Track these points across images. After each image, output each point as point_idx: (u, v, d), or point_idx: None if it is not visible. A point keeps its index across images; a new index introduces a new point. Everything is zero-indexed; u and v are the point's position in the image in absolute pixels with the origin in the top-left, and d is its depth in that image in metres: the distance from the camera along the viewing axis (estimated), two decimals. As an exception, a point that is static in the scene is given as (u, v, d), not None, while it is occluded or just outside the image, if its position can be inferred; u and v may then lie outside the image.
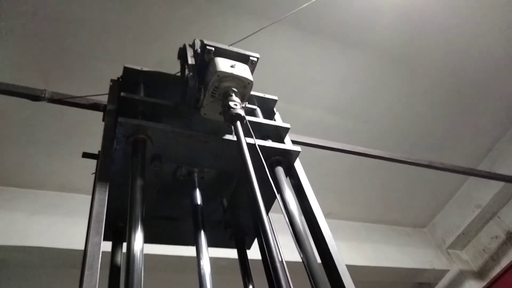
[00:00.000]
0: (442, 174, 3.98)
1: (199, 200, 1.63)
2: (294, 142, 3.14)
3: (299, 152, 1.66)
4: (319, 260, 1.39)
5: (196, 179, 1.66)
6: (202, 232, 1.55)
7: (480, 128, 4.65)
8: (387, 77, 4.05)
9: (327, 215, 4.63)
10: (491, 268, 4.82)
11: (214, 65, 1.50)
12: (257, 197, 1.21)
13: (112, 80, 1.86)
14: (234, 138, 1.45)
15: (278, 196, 1.47)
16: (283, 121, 2.06)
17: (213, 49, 1.55)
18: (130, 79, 1.83)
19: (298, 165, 1.66)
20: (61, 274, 3.99)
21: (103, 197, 1.31)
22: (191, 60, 1.63)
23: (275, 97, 2.06)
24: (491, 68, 4.20)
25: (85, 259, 1.10)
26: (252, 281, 1.66)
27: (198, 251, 1.49)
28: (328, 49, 3.81)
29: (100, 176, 1.36)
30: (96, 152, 1.86)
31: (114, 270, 1.56)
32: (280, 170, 1.59)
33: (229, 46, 1.62)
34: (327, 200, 4.74)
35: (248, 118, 1.65)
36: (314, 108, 4.07)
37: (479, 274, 4.98)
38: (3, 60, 3.14)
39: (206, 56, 1.55)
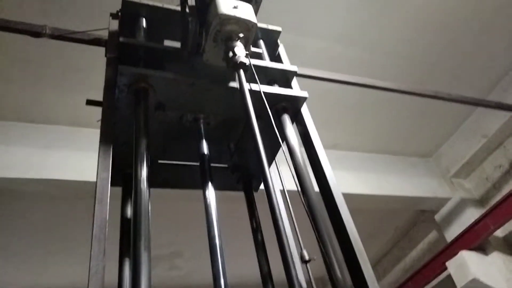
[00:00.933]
0: (450, 105, 3.91)
1: (205, 145, 1.63)
2: (299, 75, 3.09)
3: (306, 98, 1.61)
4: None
5: (202, 125, 1.65)
6: (209, 176, 1.57)
7: (492, 57, 4.47)
8: (399, 6, 3.82)
9: (333, 146, 4.71)
10: (492, 196, 4.92)
11: (215, 6, 1.40)
12: (259, 149, 1.21)
13: (111, 15, 1.77)
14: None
15: (282, 145, 1.45)
16: (288, 53, 1.99)
17: (214, -12, 1.43)
18: (129, 13, 1.75)
19: (305, 110, 1.62)
20: (77, 204, 4.19)
21: (108, 147, 1.30)
22: (191, 0, 1.52)
23: (279, 28, 1.96)
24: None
25: (96, 194, 1.17)
26: (260, 223, 1.70)
27: (205, 195, 1.52)
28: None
29: (104, 126, 1.35)
30: (101, 96, 1.84)
31: (124, 213, 1.61)
32: (286, 118, 1.55)
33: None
34: (333, 132, 4.75)
35: (253, 61, 1.58)
36: (320, 38, 3.91)
37: (480, 202, 5.10)
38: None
39: (207, -4, 1.44)
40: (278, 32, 1.97)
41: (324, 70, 3.26)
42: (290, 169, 1.46)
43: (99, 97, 1.87)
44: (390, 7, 3.82)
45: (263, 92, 1.47)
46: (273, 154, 1.69)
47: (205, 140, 1.63)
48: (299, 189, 1.40)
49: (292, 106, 1.59)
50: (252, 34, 1.43)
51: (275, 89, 1.59)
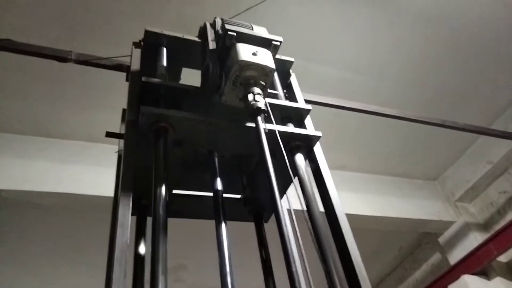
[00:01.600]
0: (456, 131, 3.99)
1: (218, 177, 1.70)
2: (309, 101, 3.19)
3: (319, 137, 1.69)
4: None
5: (216, 158, 1.74)
6: (221, 207, 1.63)
7: (498, 86, 4.56)
8: (407, 34, 3.93)
9: (340, 167, 4.81)
10: (496, 221, 4.97)
11: (235, 52, 1.50)
12: (273, 186, 1.29)
13: (134, 43, 1.89)
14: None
15: (294, 181, 1.54)
16: (298, 78, 2.09)
17: (235, 34, 1.54)
18: (151, 42, 1.86)
19: (317, 148, 1.70)
20: (89, 217, 4.31)
21: (129, 176, 1.37)
22: (212, 45, 1.63)
23: (291, 59, 2.05)
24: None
25: (118, 218, 1.24)
26: (269, 253, 1.78)
27: (218, 226, 1.58)
28: (348, 3, 3.68)
29: (126, 159, 1.43)
30: (118, 115, 1.97)
31: (138, 241, 1.70)
32: (299, 156, 1.64)
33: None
34: (341, 153, 4.84)
35: (269, 101, 1.69)
36: (331, 65, 4.02)
37: (484, 227, 5.15)
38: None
39: (227, 41, 1.54)
40: (291, 63, 2.06)
41: (333, 96, 3.38)
42: (300, 201, 1.55)
43: (116, 115, 2.00)
44: (399, 35, 3.93)
45: (278, 131, 1.58)
46: (285, 188, 1.78)
47: (219, 171, 1.70)
48: (307, 218, 1.48)
49: (306, 144, 1.67)
50: (270, 79, 1.53)
51: (290, 129, 1.67)
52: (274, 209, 1.28)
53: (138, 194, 1.65)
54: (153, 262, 1.23)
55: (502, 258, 4.81)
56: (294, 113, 1.78)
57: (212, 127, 1.57)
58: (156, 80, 1.65)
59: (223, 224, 1.59)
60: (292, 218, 1.74)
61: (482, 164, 4.99)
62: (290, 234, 1.29)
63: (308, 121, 1.79)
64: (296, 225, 1.74)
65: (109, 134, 1.85)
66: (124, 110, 1.86)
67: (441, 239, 5.44)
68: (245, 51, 1.50)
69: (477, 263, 4.77)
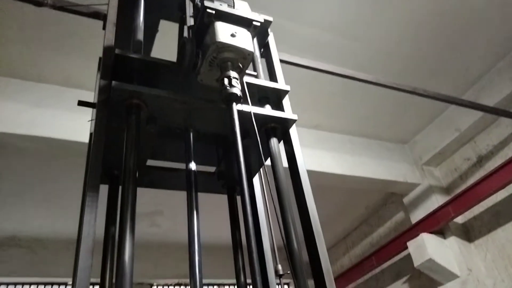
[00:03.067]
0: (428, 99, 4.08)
1: (193, 151, 1.70)
2: (285, 61, 3.18)
3: (295, 120, 1.70)
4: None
5: (191, 133, 1.74)
6: (194, 181, 1.65)
7: (472, 58, 4.61)
8: (388, 2, 3.88)
9: (315, 127, 4.89)
10: (458, 186, 5.23)
11: (213, 32, 1.45)
12: (242, 171, 1.31)
13: None
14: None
15: (265, 162, 1.57)
16: (277, 37, 2.07)
17: (213, 12, 1.48)
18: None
19: (293, 131, 1.71)
20: (67, 162, 4.30)
21: (99, 151, 1.36)
22: (189, 21, 1.57)
23: (270, 18, 1.99)
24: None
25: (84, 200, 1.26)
26: (239, 228, 1.84)
27: (189, 199, 1.61)
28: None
29: (97, 133, 1.41)
30: (94, 63, 1.91)
31: (110, 208, 1.73)
32: (273, 139, 1.66)
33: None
34: (316, 113, 4.90)
35: (247, 79, 1.68)
36: (311, 26, 3.95)
37: (446, 190, 5.43)
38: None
39: (205, 19, 1.49)
40: (269, 22, 1.99)
41: (311, 57, 3.37)
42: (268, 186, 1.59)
43: (93, 63, 1.96)
44: (380, 4, 3.88)
45: (254, 113, 1.58)
46: (259, 167, 1.82)
47: (193, 145, 1.70)
48: (274, 195, 1.54)
49: (282, 126, 1.69)
50: (248, 62, 1.50)
51: (266, 111, 1.66)
52: (241, 192, 1.31)
53: (109, 165, 1.67)
54: (121, 227, 1.25)
55: (459, 220, 5.13)
56: (272, 93, 1.77)
57: (187, 106, 1.55)
58: (130, 54, 1.59)
59: (193, 197, 1.61)
60: (265, 196, 1.81)
61: (450, 131, 5.16)
62: (251, 218, 1.31)
63: (286, 101, 1.79)
64: (268, 203, 1.81)
65: (81, 103, 1.80)
66: (100, 58, 1.79)
67: (406, 200, 5.74)
68: (223, 32, 1.46)
69: (435, 223, 5.09)
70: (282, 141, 1.74)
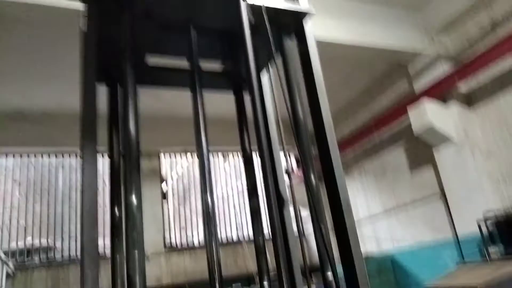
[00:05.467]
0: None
1: (196, 47, 1.57)
2: None
3: (311, 14, 1.51)
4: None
5: (194, 29, 1.58)
6: (198, 77, 1.57)
7: None
8: None
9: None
10: (466, 55, 5.04)
11: None
12: (251, 69, 1.25)
13: None
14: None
15: (277, 61, 1.45)
16: None
17: None
18: None
19: (308, 27, 1.53)
20: (57, 31, 4.11)
21: (91, 53, 1.29)
22: None
23: None
24: None
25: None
26: (248, 129, 1.78)
27: (195, 97, 1.55)
28: None
29: (88, 30, 1.30)
30: None
31: (112, 111, 1.67)
32: (286, 35, 1.51)
33: None
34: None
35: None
36: None
37: (455, 60, 5.23)
38: None
39: None
40: None
41: None
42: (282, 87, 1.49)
43: None
44: None
45: (265, 7, 1.42)
46: (267, 62, 1.69)
47: (197, 41, 1.56)
48: (287, 97, 1.48)
49: (296, 21, 1.52)
50: None
51: (278, 3, 1.47)
52: (249, 89, 1.25)
53: (106, 64, 1.55)
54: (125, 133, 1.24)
55: (462, 89, 5.10)
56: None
57: None
58: None
59: (198, 97, 1.55)
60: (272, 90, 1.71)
61: (465, -1, 4.77)
62: (260, 109, 1.28)
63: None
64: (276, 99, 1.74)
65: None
66: None
67: (411, 69, 5.60)
68: None
69: (438, 91, 5.08)
70: (294, 35, 1.57)
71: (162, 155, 7.49)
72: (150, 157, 7.23)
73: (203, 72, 1.64)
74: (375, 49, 5.03)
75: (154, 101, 5.98)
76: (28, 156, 6.65)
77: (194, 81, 1.57)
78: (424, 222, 5.67)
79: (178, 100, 5.90)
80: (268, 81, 1.76)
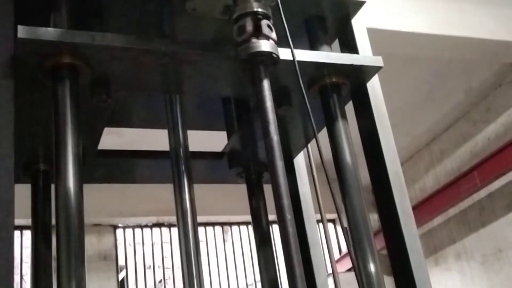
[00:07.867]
0: None
1: (181, 116, 1.19)
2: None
3: (379, 68, 1.02)
4: None
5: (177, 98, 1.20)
6: (185, 167, 1.17)
7: None
8: None
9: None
10: None
11: None
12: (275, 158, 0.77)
13: None
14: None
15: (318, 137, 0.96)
16: None
17: None
18: None
19: (373, 88, 1.05)
20: None
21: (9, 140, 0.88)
22: None
23: None
24: None
25: None
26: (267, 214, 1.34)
27: (179, 192, 1.13)
28: None
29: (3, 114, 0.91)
30: None
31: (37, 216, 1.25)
32: (335, 97, 1.03)
33: None
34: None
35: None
36: None
37: None
38: None
39: None
40: None
41: None
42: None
43: None
44: None
45: (298, 61, 0.92)
46: (305, 143, 1.28)
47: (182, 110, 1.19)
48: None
49: (353, 80, 1.04)
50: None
51: (323, 56, 1.01)
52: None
53: (31, 158, 1.23)
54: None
55: None
56: (331, 11, 1.07)
57: (168, 60, 0.96)
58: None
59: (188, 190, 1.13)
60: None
61: None
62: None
63: (358, 25, 1.08)
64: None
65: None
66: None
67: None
68: None
69: None
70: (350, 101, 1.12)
71: (119, 230, 5.37)
72: (99, 234, 5.24)
73: (193, 159, 1.24)
74: (471, 40, 3.79)
75: (116, 138, 5.23)
76: None
77: (180, 172, 1.17)
78: None
79: (148, 138, 4.65)
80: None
